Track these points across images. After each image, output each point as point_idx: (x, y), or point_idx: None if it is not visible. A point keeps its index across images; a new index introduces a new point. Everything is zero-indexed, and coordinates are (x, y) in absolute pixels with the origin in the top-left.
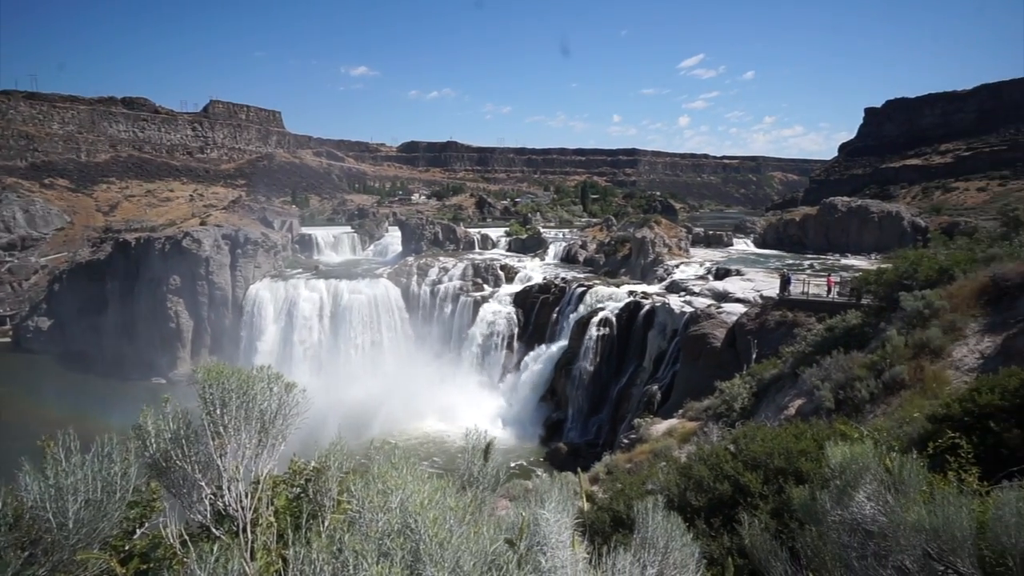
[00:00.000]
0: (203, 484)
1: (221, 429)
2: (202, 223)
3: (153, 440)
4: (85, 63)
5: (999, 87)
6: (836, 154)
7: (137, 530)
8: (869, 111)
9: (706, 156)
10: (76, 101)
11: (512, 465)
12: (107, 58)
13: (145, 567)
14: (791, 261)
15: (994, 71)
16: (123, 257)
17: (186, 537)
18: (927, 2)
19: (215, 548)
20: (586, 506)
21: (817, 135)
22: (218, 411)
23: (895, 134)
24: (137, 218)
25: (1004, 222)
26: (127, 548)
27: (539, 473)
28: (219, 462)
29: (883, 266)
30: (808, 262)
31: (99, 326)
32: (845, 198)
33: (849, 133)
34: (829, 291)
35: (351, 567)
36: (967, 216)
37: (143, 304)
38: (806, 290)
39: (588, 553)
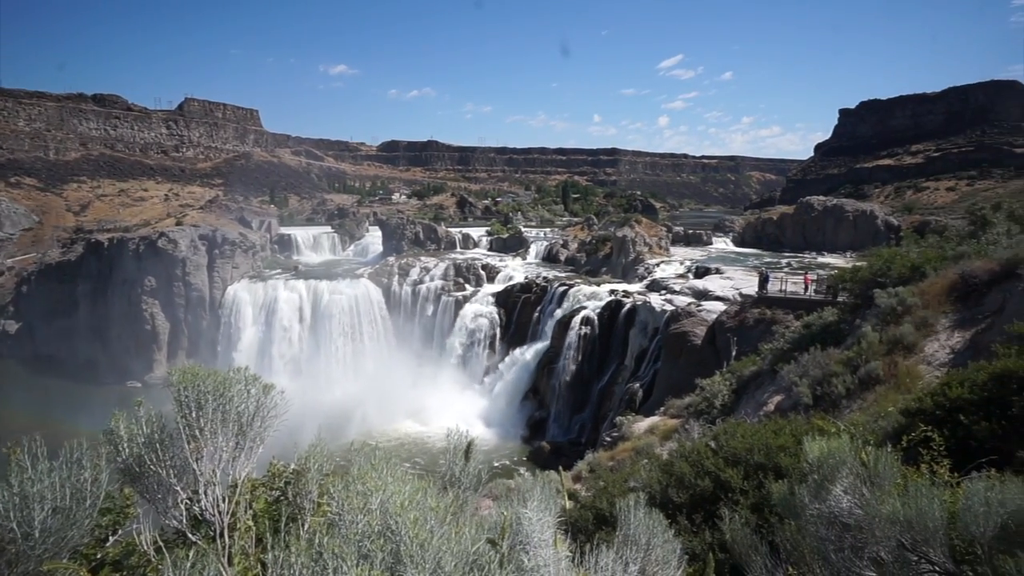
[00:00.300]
0: (179, 489)
1: (197, 432)
2: (178, 223)
3: (126, 445)
4: (52, 58)
5: (965, 90)
6: (812, 154)
7: (110, 537)
8: (843, 112)
9: (685, 156)
10: (43, 97)
11: (495, 464)
12: (76, 53)
13: (117, 575)
14: (769, 259)
15: (961, 74)
16: (95, 258)
17: (161, 543)
18: (901, 6)
19: (191, 554)
20: (569, 504)
21: (794, 135)
22: (194, 414)
23: (868, 135)
24: (110, 218)
25: (972, 221)
26: (99, 556)
27: (522, 472)
28: (195, 466)
29: (858, 264)
30: (786, 260)
31: (70, 329)
32: (821, 197)
33: (825, 133)
34: (806, 289)
35: (331, 570)
36: (937, 215)
37: (117, 306)
38: (784, 288)
39: (571, 551)
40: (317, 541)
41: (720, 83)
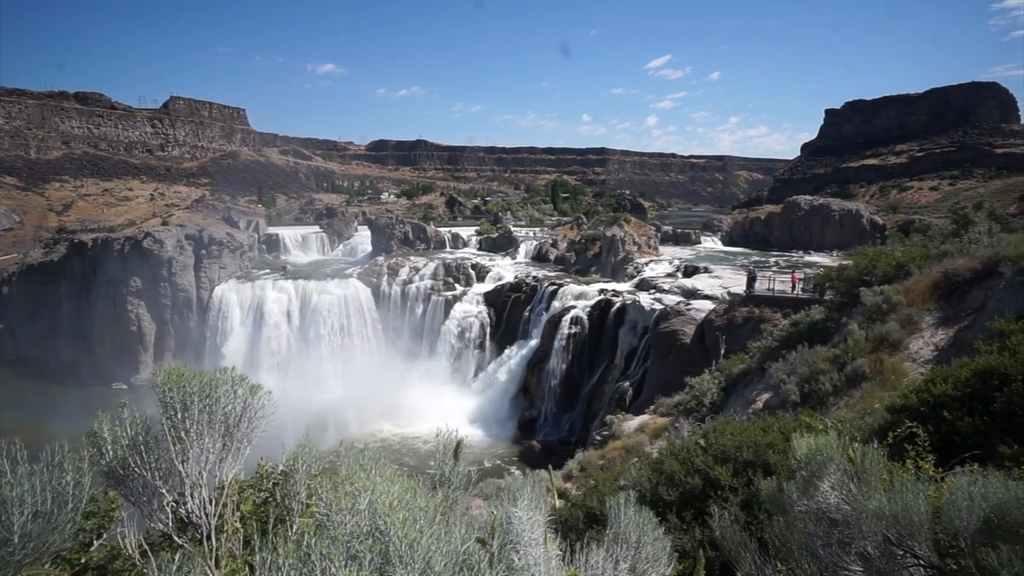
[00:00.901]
0: (164, 491)
1: (182, 434)
2: (164, 223)
3: (109, 447)
4: (34, 56)
5: (947, 91)
6: (799, 154)
7: (94, 541)
8: (829, 112)
9: (674, 155)
10: (24, 95)
11: (485, 464)
12: (58, 51)
13: None
14: (757, 258)
15: (943, 75)
16: (79, 258)
17: (146, 547)
18: (886, 9)
19: (177, 557)
20: (559, 503)
21: (781, 135)
22: (179, 415)
23: (853, 134)
24: (94, 218)
25: (954, 220)
26: (82, 561)
27: (512, 471)
28: (181, 468)
29: (844, 263)
30: (773, 259)
31: (53, 330)
32: (808, 197)
33: (811, 133)
34: (793, 287)
35: (319, 571)
36: (921, 214)
37: (101, 307)
38: (772, 287)
39: (561, 550)
40: (305, 542)
41: (708, 83)
